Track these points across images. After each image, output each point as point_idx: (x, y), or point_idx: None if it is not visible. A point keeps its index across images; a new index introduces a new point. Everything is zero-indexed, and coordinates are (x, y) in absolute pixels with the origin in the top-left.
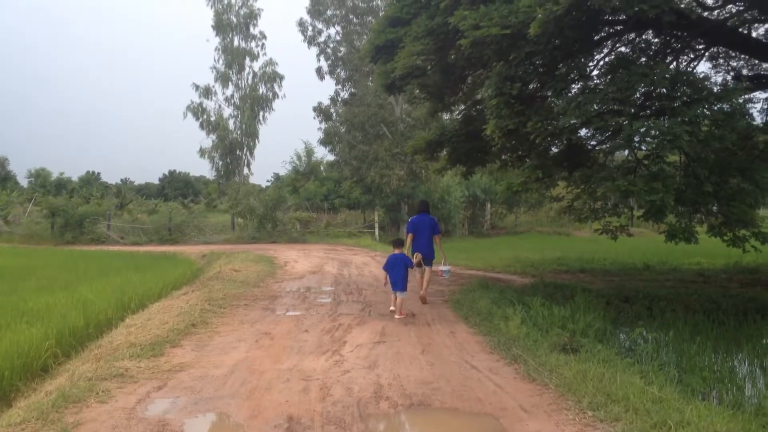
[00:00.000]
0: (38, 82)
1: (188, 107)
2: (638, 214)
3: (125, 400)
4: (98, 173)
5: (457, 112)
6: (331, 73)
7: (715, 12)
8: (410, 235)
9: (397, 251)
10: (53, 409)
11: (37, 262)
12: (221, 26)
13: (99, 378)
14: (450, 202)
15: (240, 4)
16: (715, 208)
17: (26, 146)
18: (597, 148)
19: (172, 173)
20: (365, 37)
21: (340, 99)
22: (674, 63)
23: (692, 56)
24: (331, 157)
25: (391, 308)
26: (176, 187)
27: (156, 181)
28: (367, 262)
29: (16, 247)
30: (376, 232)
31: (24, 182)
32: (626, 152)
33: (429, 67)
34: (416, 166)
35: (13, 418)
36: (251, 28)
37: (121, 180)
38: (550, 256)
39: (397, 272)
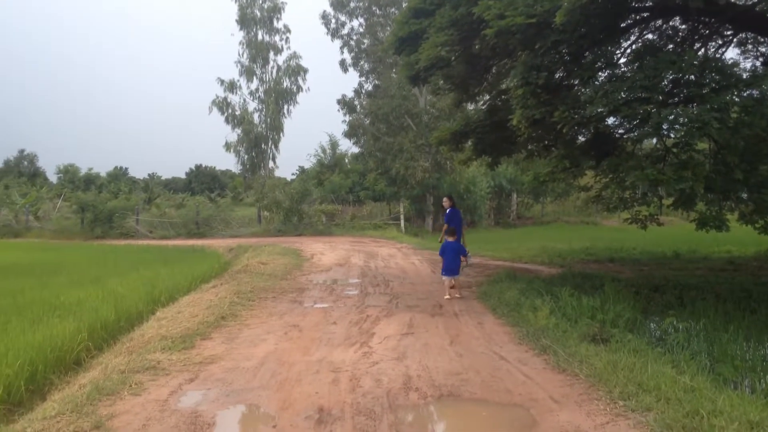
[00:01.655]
0: (66, 81)
1: (213, 102)
2: (667, 202)
3: (158, 392)
4: (126, 168)
5: (482, 103)
6: (355, 65)
7: None
8: (446, 226)
9: (450, 239)
10: (87, 402)
11: (67, 256)
12: (245, 20)
13: (131, 371)
14: (475, 193)
15: None
16: (745, 195)
17: (55, 142)
18: (625, 136)
19: (198, 167)
20: (388, 28)
21: (364, 91)
22: (702, 49)
23: (720, 42)
24: (355, 150)
25: (450, 293)
26: (203, 181)
27: (183, 176)
28: (393, 254)
29: (46, 242)
30: (402, 224)
31: (53, 178)
32: (655, 140)
33: (453, 58)
34: (441, 158)
35: (48, 411)
36: (275, 22)
37: (149, 175)
38: (577, 246)
39: (452, 258)
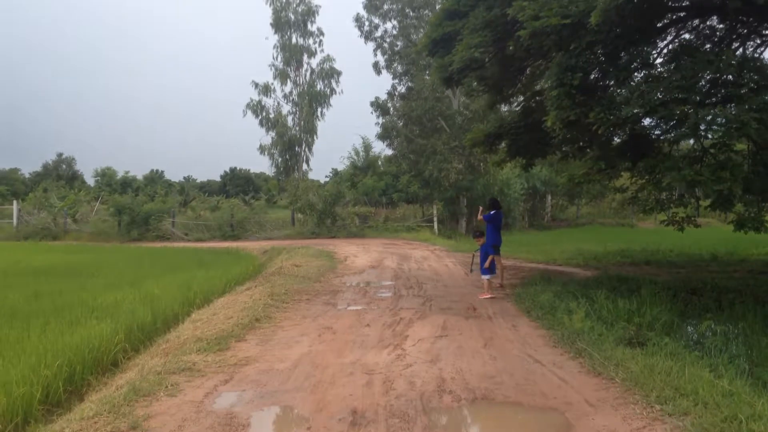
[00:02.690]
0: (104, 87)
1: (248, 105)
2: (705, 204)
3: (193, 393)
4: (162, 171)
5: (515, 104)
6: (388, 67)
7: None
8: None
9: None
10: (124, 403)
11: (104, 259)
12: (279, 24)
13: (168, 372)
14: (509, 195)
15: (298, 2)
16: None
17: (92, 146)
18: (661, 137)
19: (233, 170)
20: (422, 30)
21: (397, 93)
22: (740, 49)
23: (759, 42)
24: (388, 152)
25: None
26: (237, 183)
27: (217, 179)
28: (426, 257)
29: (84, 244)
30: (435, 226)
31: (91, 181)
32: (692, 141)
33: (487, 60)
34: (475, 159)
35: (86, 412)
36: (309, 25)
37: (184, 178)
38: (613, 248)
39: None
